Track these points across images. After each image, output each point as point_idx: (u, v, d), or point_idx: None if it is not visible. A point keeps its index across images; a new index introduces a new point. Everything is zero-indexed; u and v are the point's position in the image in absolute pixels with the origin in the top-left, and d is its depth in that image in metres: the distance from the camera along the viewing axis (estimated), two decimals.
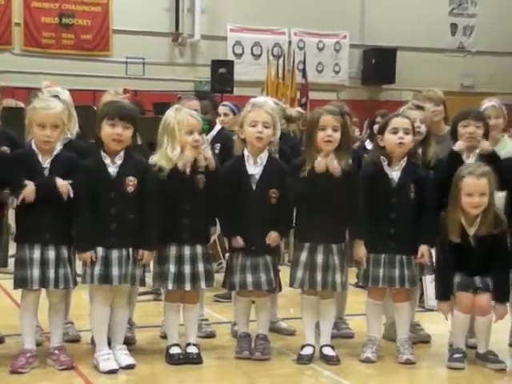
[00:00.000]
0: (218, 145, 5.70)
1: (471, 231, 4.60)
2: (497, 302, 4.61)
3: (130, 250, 4.44)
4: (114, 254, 4.40)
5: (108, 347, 4.49)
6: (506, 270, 4.64)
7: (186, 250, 4.56)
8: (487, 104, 5.70)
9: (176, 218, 4.55)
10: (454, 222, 4.60)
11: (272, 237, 4.64)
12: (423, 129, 5.00)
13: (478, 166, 4.66)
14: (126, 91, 5.50)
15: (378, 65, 14.76)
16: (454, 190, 4.63)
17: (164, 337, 4.88)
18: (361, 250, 4.72)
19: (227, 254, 4.93)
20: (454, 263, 4.61)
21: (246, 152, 4.72)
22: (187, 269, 4.55)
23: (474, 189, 4.55)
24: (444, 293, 4.67)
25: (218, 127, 6.23)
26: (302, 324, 4.85)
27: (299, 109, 6.86)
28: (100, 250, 4.40)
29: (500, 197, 4.79)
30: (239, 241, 4.63)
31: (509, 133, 6.06)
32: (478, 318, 4.68)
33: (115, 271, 4.39)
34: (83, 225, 4.40)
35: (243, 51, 14.80)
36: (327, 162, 4.55)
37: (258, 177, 4.68)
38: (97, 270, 4.38)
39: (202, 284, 4.60)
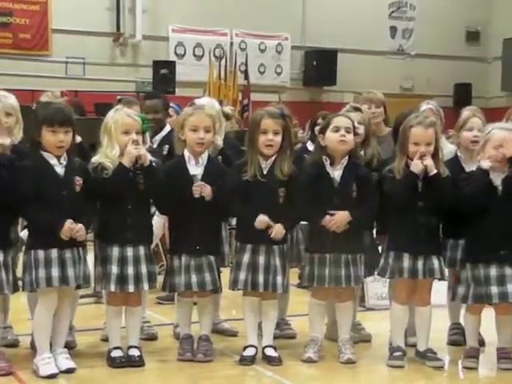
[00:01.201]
0: (167, 146, 5.63)
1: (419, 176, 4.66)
2: None
3: (81, 249, 4.43)
4: (68, 253, 4.38)
5: (49, 351, 4.43)
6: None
7: (129, 251, 4.52)
8: (425, 107, 5.80)
9: (119, 217, 4.52)
10: (401, 170, 4.65)
11: (276, 229, 4.59)
12: (361, 130, 5.06)
13: (425, 116, 4.77)
14: (63, 94, 5.44)
15: (320, 66, 14.87)
16: (401, 139, 4.71)
17: (105, 340, 4.82)
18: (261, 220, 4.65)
19: None
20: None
21: (186, 152, 4.72)
22: (130, 270, 4.51)
23: (422, 138, 4.63)
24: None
25: (167, 128, 6.12)
26: (244, 325, 4.85)
27: (230, 107, 6.88)
28: (55, 252, 4.35)
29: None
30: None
31: (446, 134, 6.16)
32: (418, 308, 4.75)
33: (71, 272, 4.36)
34: (36, 223, 4.38)
35: (185, 52, 14.74)
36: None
37: (199, 177, 4.69)
38: (54, 271, 4.33)
39: (145, 285, 4.57)
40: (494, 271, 4.56)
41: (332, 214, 4.63)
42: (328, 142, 4.75)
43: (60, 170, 4.40)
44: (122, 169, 4.46)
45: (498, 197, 4.60)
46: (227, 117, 5.66)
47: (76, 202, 4.38)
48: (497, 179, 4.61)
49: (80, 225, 4.32)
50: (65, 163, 4.41)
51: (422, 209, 4.65)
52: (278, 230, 4.59)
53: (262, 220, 4.57)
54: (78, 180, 4.40)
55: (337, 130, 4.73)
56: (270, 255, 4.64)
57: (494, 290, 4.55)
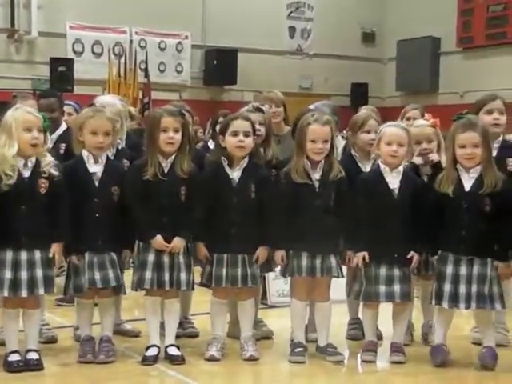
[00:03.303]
0: (64, 145, 5.54)
1: (316, 176, 4.74)
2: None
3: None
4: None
5: None
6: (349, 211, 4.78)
7: (23, 255, 4.41)
8: (316, 105, 5.91)
9: (12, 220, 4.40)
10: (299, 168, 4.73)
11: (175, 244, 4.61)
12: (263, 131, 5.10)
13: (322, 114, 4.86)
14: None
15: (220, 66, 14.89)
16: (299, 137, 4.77)
17: (2, 344, 4.69)
18: (201, 251, 4.76)
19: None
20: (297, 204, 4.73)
21: (85, 152, 4.67)
22: (24, 275, 4.40)
23: (318, 135, 4.71)
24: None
25: (64, 126, 6.04)
26: (146, 325, 4.82)
27: (132, 108, 6.83)
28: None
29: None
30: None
31: (341, 133, 6.30)
32: (317, 304, 4.84)
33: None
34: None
35: (83, 49, 14.48)
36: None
37: (99, 175, 4.64)
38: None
39: (41, 290, 4.47)
40: (383, 271, 4.70)
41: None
42: (227, 145, 4.78)
43: None
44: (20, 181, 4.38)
45: (394, 199, 4.74)
46: (132, 117, 5.61)
47: None
48: (393, 182, 4.75)
49: None
50: None
51: (319, 208, 4.74)
52: (176, 245, 4.61)
53: (158, 243, 4.58)
54: None
55: (235, 134, 4.75)
56: (174, 253, 4.63)
57: (382, 289, 4.70)
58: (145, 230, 4.66)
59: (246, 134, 4.76)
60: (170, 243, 4.62)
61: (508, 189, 4.60)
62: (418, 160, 4.96)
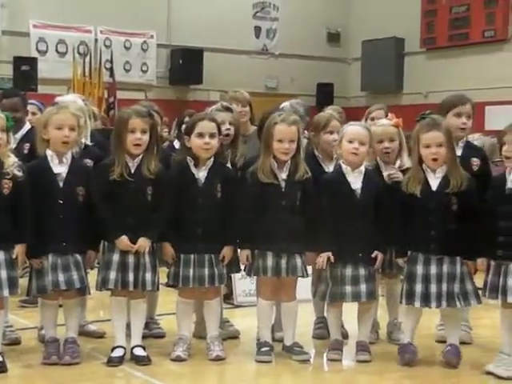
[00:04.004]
0: (28, 145, 5.48)
1: (282, 176, 4.75)
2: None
3: None
4: None
5: None
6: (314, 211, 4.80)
7: None
8: (286, 104, 5.93)
9: None
10: (266, 168, 4.73)
11: (140, 244, 4.60)
12: (232, 131, 5.10)
13: (289, 114, 4.89)
14: None
15: (186, 65, 14.85)
16: (266, 137, 4.78)
17: None
18: (167, 252, 4.74)
19: None
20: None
21: (49, 152, 4.63)
22: None
23: (285, 135, 4.72)
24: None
25: (27, 126, 5.98)
26: (112, 326, 4.79)
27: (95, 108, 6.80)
28: None
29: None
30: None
31: (306, 132, 6.31)
32: (283, 304, 4.85)
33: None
34: None
35: (47, 48, 14.33)
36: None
37: (64, 175, 4.61)
38: None
39: (5, 292, 4.42)
40: (349, 271, 4.73)
41: None
42: (192, 146, 4.77)
43: None
44: None
45: (356, 199, 4.77)
46: (95, 117, 5.58)
47: None
48: (355, 182, 4.78)
49: None
50: None
51: (285, 208, 4.75)
52: (142, 245, 4.59)
53: (123, 243, 4.56)
54: None
55: (201, 135, 4.74)
56: (139, 253, 4.61)
57: (348, 289, 4.72)
58: (110, 230, 4.63)
59: (212, 136, 4.76)
60: (135, 243, 4.60)
61: (473, 188, 4.65)
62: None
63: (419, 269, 4.64)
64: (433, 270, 4.62)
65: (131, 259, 4.61)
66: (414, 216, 4.67)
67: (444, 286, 4.60)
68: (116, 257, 4.61)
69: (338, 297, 4.77)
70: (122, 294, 4.68)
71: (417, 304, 4.65)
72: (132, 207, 4.62)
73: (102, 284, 4.64)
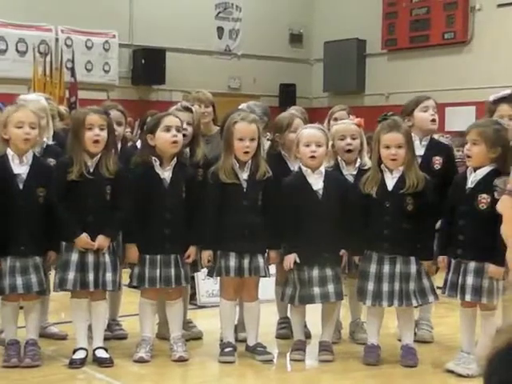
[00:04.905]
0: None
1: (244, 176, 4.75)
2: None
3: None
4: None
5: None
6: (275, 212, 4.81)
7: None
8: (243, 105, 5.93)
9: None
10: (227, 168, 4.72)
11: (99, 242, 4.54)
12: (190, 131, 5.09)
13: (248, 113, 4.91)
14: None
15: (148, 65, 14.77)
16: (226, 136, 4.78)
17: None
18: (132, 253, 4.72)
19: None
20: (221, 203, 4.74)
21: (9, 151, 4.57)
22: None
23: (246, 133, 4.72)
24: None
25: None
26: (73, 328, 4.75)
27: (63, 107, 6.73)
28: None
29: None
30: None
31: (266, 134, 6.32)
32: (246, 304, 4.85)
33: None
34: None
35: (7, 47, 14.15)
36: None
37: (24, 176, 4.55)
38: None
39: None
40: (316, 273, 4.75)
41: None
42: (159, 142, 4.74)
43: None
44: None
45: (318, 200, 4.79)
46: (61, 117, 5.53)
47: None
48: (316, 183, 4.80)
49: None
50: None
51: (247, 208, 4.75)
52: (101, 243, 4.56)
53: (83, 241, 4.52)
54: None
55: (168, 129, 4.73)
56: (99, 253, 4.58)
57: (317, 290, 4.74)
58: (69, 230, 4.59)
59: (178, 129, 4.76)
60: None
61: (429, 189, 4.70)
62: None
63: (372, 267, 4.68)
64: (386, 269, 4.66)
65: (91, 259, 4.57)
66: (370, 216, 4.72)
67: (397, 286, 4.64)
68: (75, 257, 4.56)
69: (306, 299, 4.77)
70: (82, 295, 4.64)
71: (368, 302, 4.69)
72: (91, 206, 4.59)
73: (60, 285, 4.60)
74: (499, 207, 1.37)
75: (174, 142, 4.72)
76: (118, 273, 4.67)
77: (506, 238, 1.30)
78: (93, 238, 4.57)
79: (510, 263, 1.36)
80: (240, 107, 5.80)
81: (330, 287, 4.74)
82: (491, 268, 4.37)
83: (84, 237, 4.54)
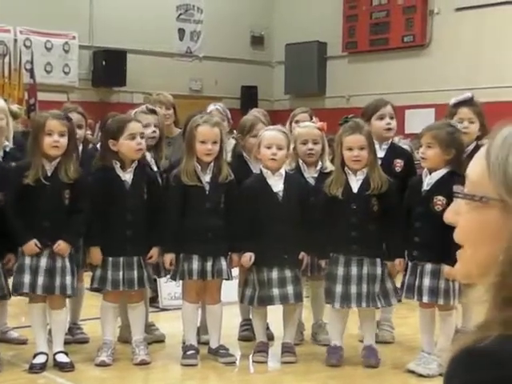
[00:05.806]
0: None
1: (206, 178, 4.75)
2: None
3: None
4: None
5: None
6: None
7: None
8: (212, 107, 5.93)
9: None
10: (189, 170, 4.71)
11: (60, 248, 4.48)
12: (158, 133, 5.08)
13: (211, 116, 4.92)
14: None
15: (109, 67, 14.67)
16: (189, 139, 4.77)
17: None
18: (96, 255, 4.68)
19: None
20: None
21: None
22: None
23: (208, 136, 4.72)
24: None
25: None
26: (33, 332, 4.70)
27: (18, 105, 6.65)
28: None
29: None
30: None
31: (231, 134, 6.34)
32: (209, 306, 4.85)
33: None
34: None
35: None
36: None
37: None
38: None
39: None
40: (275, 274, 4.76)
41: None
42: (123, 149, 4.71)
43: None
44: None
45: (279, 202, 4.81)
46: (15, 116, 5.47)
47: None
48: (276, 185, 4.81)
49: None
50: None
51: (209, 210, 4.75)
52: (62, 248, 4.51)
53: (29, 248, 4.48)
54: None
55: (133, 137, 4.70)
56: (55, 256, 4.53)
57: (276, 292, 4.75)
58: (17, 235, 4.53)
59: (142, 136, 4.74)
60: (51, 247, 4.51)
61: (393, 189, 4.75)
62: None
63: (340, 270, 4.70)
64: (353, 271, 4.69)
65: (43, 263, 4.51)
66: (335, 218, 4.74)
67: (364, 287, 4.68)
68: (28, 260, 4.52)
69: (265, 300, 4.78)
70: (40, 299, 4.58)
71: (336, 305, 4.70)
72: (48, 211, 4.54)
73: (15, 289, 4.55)
74: (449, 215, 1.35)
75: (140, 150, 4.71)
76: (75, 277, 4.62)
77: (459, 242, 1.31)
78: (49, 243, 4.51)
79: (457, 275, 1.36)
80: (209, 110, 5.78)
81: (290, 288, 4.76)
82: (447, 269, 4.41)
83: (32, 244, 4.48)
